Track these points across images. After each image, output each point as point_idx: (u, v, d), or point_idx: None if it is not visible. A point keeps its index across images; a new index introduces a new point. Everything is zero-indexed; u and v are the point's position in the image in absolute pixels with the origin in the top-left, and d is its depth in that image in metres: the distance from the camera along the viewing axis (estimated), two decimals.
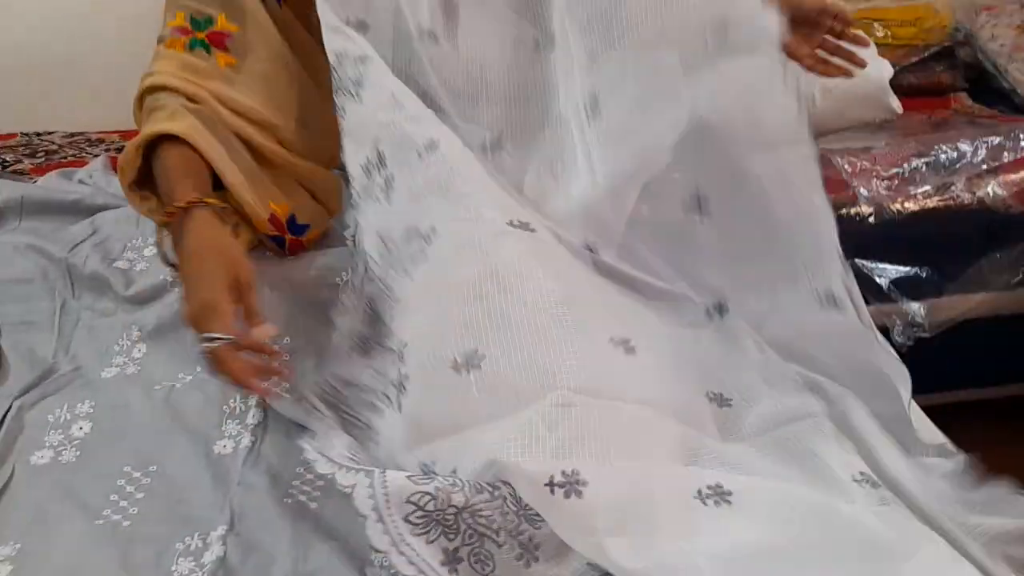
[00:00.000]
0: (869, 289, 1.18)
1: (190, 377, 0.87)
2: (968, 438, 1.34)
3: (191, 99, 0.81)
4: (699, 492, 0.60)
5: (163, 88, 0.81)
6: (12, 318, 0.96)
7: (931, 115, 1.42)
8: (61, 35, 1.65)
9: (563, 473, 0.57)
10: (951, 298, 1.22)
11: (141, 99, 0.83)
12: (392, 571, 0.55)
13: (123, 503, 0.71)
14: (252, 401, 0.82)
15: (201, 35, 0.83)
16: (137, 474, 0.74)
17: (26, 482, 0.74)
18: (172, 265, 0.78)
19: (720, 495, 0.60)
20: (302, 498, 0.70)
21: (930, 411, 1.37)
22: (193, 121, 0.79)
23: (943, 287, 1.20)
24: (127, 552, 0.66)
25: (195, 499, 0.71)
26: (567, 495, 0.56)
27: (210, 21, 0.83)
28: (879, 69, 1.33)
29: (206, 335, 0.65)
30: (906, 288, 1.18)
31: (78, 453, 0.78)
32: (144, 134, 0.79)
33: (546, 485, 0.56)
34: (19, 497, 0.73)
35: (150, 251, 1.02)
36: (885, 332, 1.22)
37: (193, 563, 0.65)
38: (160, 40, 0.85)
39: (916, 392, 1.35)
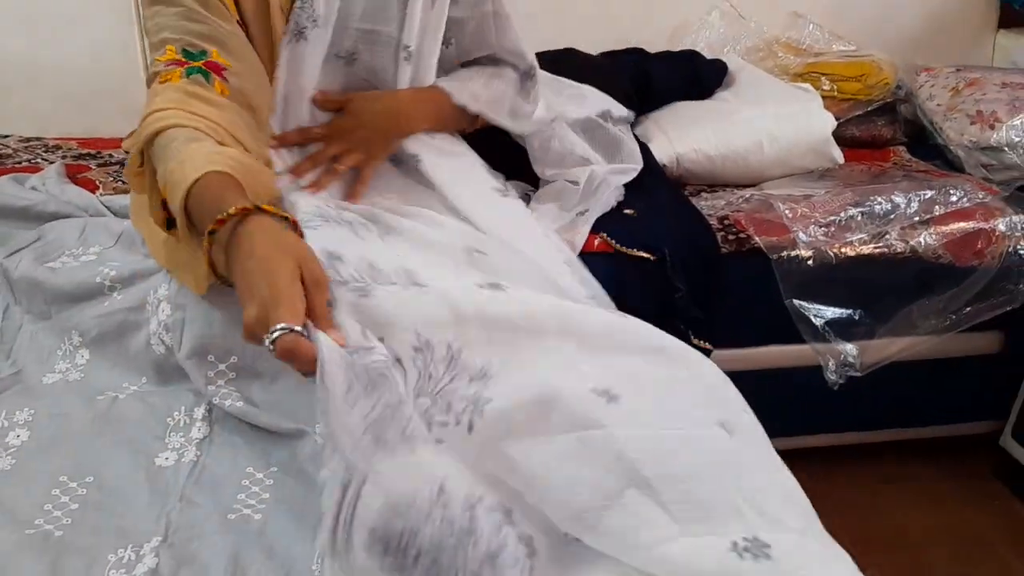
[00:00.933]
0: (806, 328, 1.23)
1: (134, 388, 0.87)
2: (890, 471, 1.41)
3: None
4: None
5: (174, 127, 0.76)
6: None
7: (871, 166, 1.50)
8: (24, 38, 1.64)
9: None
10: (882, 341, 1.28)
11: (148, 140, 0.77)
12: None
13: (56, 513, 0.71)
14: (199, 413, 0.82)
15: (198, 64, 0.80)
16: (73, 484, 0.74)
17: None
18: (220, 277, 0.71)
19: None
20: (247, 511, 0.70)
21: (862, 448, 1.44)
22: (224, 159, 0.73)
23: (875, 329, 1.26)
24: (57, 562, 0.66)
25: (131, 511, 0.71)
26: None
27: (204, 53, 0.81)
28: (823, 121, 1.41)
29: (276, 327, 0.58)
30: (840, 329, 1.24)
31: (13, 461, 0.77)
32: (188, 179, 0.70)
33: None
34: None
35: (87, 258, 1.00)
36: (819, 370, 1.27)
37: (124, 574, 0.65)
38: (153, 77, 0.82)
39: (846, 429, 1.42)
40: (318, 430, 0.75)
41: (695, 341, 1.19)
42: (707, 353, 1.09)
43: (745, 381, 0.82)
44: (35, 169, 1.32)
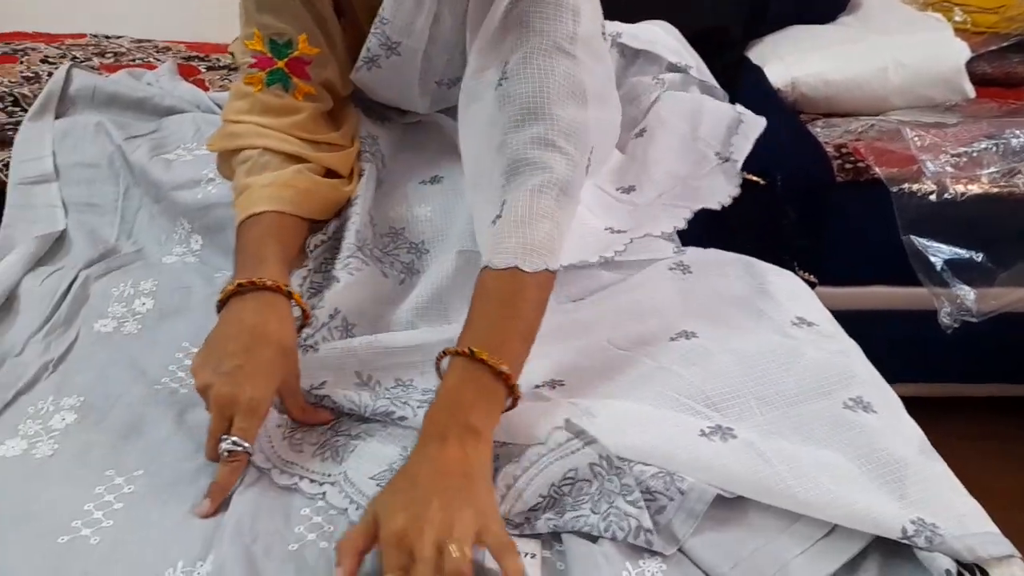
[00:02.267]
0: (921, 267, 1.16)
1: None
2: (995, 430, 1.34)
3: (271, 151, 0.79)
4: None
5: (247, 148, 0.79)
6: (77, 199, 0.98)
7: (1002, 104, 1.39)
8: None
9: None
10: (1001, 288, 1.20)
11: (229, 152, 0.81)
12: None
13: (180, 374, 0.74)
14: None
15: (280, 63, 0.80)
16: (195, 349, 0.76)
17: (90, 347, 0.77)
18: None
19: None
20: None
21: (965, 401, 1.37)
22: (279, 192, 0.77)
23: (996, 274, 1.18)
24: (183, 413, 0.69)
25: None
26: None
27: (289, 45, 0.80)
28: (957, 50, 1.30)
29: (234, 439, 0.61)
30: (958, 270, 1.17)
31: (139, 327, 0.81)
32: (239, 215, 0.76)
33: None
34: (83, 360, 0.76)
35: (200, 152, 1.02)
36: (924, 315, 1.21)
37: None
38: (240, 69, 0.83)
39: (946, 380, 1.36)
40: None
41: (800, 273, 1.14)
42: (811, 286, 1.05)
43: (847, 321, 0.79)
44: (149, 67, 1.36)
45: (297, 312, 0.71)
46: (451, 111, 0.98)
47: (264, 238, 0.74)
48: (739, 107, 1.09)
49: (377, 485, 0.61)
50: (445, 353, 0.63)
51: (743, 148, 1.01)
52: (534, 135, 0.69)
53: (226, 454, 0.62)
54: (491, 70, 0.73)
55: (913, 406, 0.71)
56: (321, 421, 0.68)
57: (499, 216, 0.68)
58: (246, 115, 0.81)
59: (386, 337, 0.73)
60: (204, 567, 0.56)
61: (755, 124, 1.05)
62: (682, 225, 0.89)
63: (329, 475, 0.63)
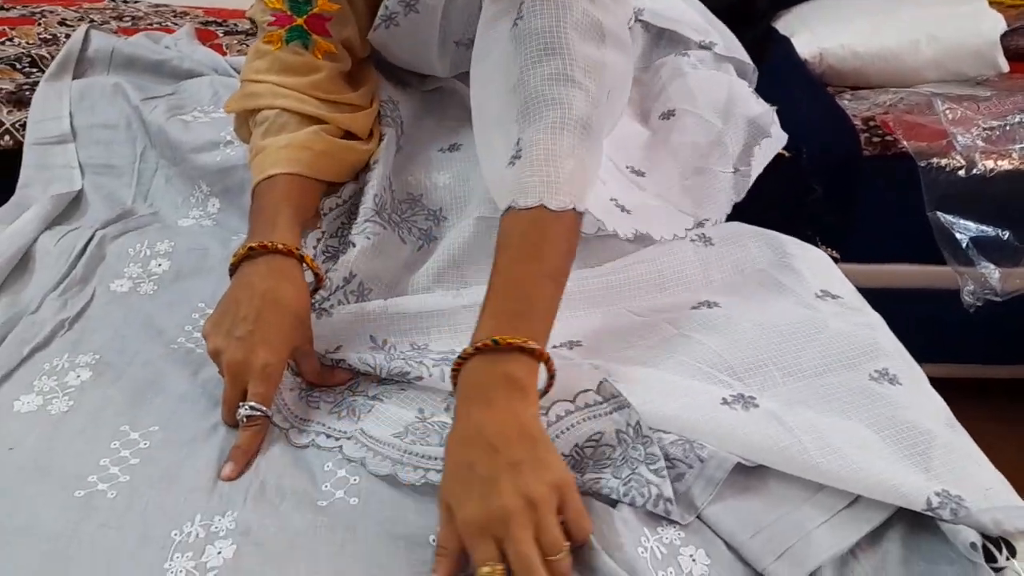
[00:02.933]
0: (946, 244, 1.14)
1: None
2: (1019, 412, 1.32)
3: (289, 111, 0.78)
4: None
5: (265, 108, 0.78)
6: (94, 160, 0.98)
7: None
8: None
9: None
10: None
11: (247, 112, 0.80)
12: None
13: (196, 334, 0.73)
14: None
15: (300, 20, 0.79)
16: (210, 310, 0.76)
17: (106, 305, 0.77)
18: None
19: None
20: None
21: (988, 383, 1.35)
22: (295, 154, 0.75)
23: (1022, 254, 1.15)
24: (199, 370, 0.68)
25: None
26: None
27: (309, 1, 0.78)
28: (992, 22, 1.27)
29: (251, 404, 0.61)
30: (983, 248, 1.14)
31: (155, 287, 0.80)
32: (254, 177, 0.75)
33: None
34: (98, 318, 0.76)
35: (217, 115, 1.02)
36: (948, 295, 1.19)
37: None
38: (259, 29, 0.81)
39: (974, 362, 1.33)
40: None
41: (823, 248, 1.12)
42: (834, 261, 1.03)
43: (869, 299, 0.77)
44: (167, 31, 1.35)
45: (310, 277, 0.71)
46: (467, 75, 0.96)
47: (278, 201, 0.73)
48: (772, 114, 1.03)
49: (394, 436, 0.61)
50: (464, 356, 0.58)
51: (759, 165, 0.97)
52: (551, 71, 0.66)
53: (244, 420, 0.61)
54: (505, 17, 0.70)
55: (936, 387, 0.69)
56: (337, 382, 0.68)
57: (517, 156, 0.65)
58: (264, 74, 0.79)
59: (400, 301, 0.73)
60: (223, 522, 0.55)
61: (778, 140, 1.01)
62: (681, 234, 0.86)
63: (346, 432, 0.63)
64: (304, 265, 0.69)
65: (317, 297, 0.72)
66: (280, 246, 0.67)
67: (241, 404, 0.61)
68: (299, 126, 0.78)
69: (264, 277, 0.66)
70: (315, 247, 0.78)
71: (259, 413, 0.61)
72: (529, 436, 0.54)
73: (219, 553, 0.53)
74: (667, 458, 0.59)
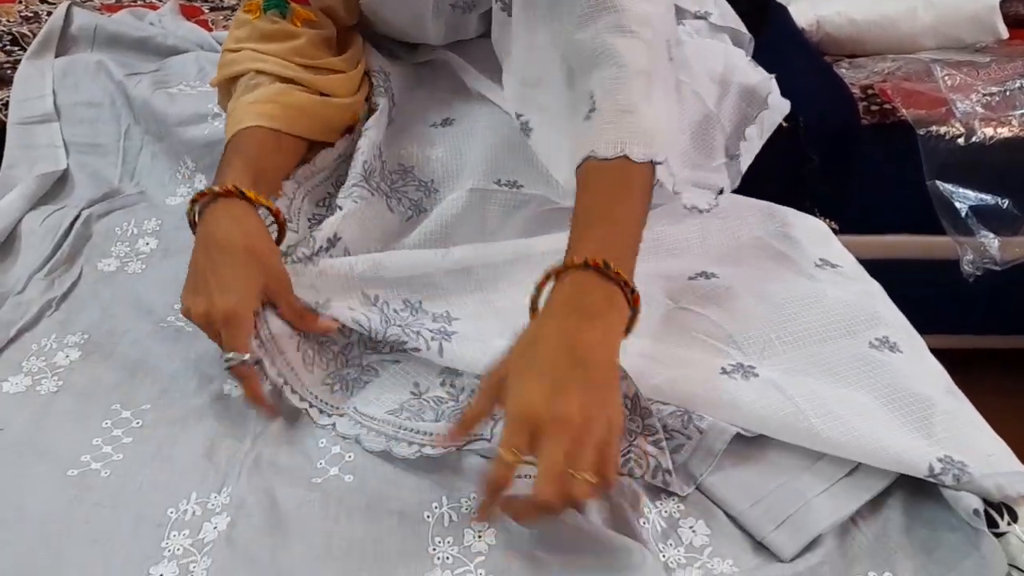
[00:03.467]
0: (945, 213, 1.13)
1: None
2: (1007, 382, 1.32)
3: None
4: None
5: (243, 74, 0.76)
6: (79, 139, 0.96)
7: None
8: None
9: None
10: None
11: (228, 81, 0.78)
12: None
13: None
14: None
15: None
16: None
17: (93, 285, 0.76)
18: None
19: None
20: None
21: (989, 353, 1.35)
22: (261, 108, 0.73)
23: (1022, 222, 1.15)
24: (190, 348, 0.67)
25: None
26: None
27: None
28: None
29: (228, 355, 0.60)
30: (983, 217, 1.13)
31: (143, 266, 0.79)
32: (230, 129, 0.73)
33: None
34: (86, 297, 0.75)
35: (204, 89, 0.99)
36: (947, 266, 1.18)
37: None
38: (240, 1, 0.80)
39: (975, 332, 1.33)
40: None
41: (821, 219, 1.11)
42: (833, 233, 1.02)
43: (868, 270, 0.76)
44: (151, 7, 1.32)
45: (267, 214, 0.67)
46: (464, 48, 0.94)
47: (231, 155, 0.70)
48: (770, 82, 1.01)
49: (388, 414, 0.60)
50: (567, 266, 0.55)
51: (753, 148, 0.95)
52: (607, 24, 0.64)
53: (228, 370, 0.60)
54: None
55: (941, 358, 0.68)
56: (323, 329, 0.65)
57: (592, 109, 0.63)
58: (244, 42, 0.77)
59: (388, 257, 0.71)
60: (218, 499, 0.55)
61: (778, 110, 0.98)
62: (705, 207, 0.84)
63: (338, 408, 0.62)
64: (256, 205, 0.66)
65: (299, 254, 0.69)
66: (219, 189, 0.64)
67: (221, 355, 0.61)
68: (272, 85, 0.75)
69: (210, 224, 0.64)
70: (288, 207, 0.75)
71: (236, 362, 0.60)
72: (612, 366, 0.53)
73: (215, 528, 0.53)
74: (665, 430, 0.58)
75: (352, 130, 0.83)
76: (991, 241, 1.14)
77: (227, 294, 0.61)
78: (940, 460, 0.54)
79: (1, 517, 0.53)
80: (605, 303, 0.54)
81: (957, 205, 1.13)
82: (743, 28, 1.10)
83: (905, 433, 0.57)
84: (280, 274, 0.65)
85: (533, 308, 0.58)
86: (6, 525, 0.53)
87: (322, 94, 0.78)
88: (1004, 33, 1.28)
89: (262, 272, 0.63)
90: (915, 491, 0.57)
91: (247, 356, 0.60)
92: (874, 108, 1.14)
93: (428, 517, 0.54)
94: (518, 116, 0.75)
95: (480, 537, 0.53)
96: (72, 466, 0.57)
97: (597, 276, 0.54)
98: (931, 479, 0.54)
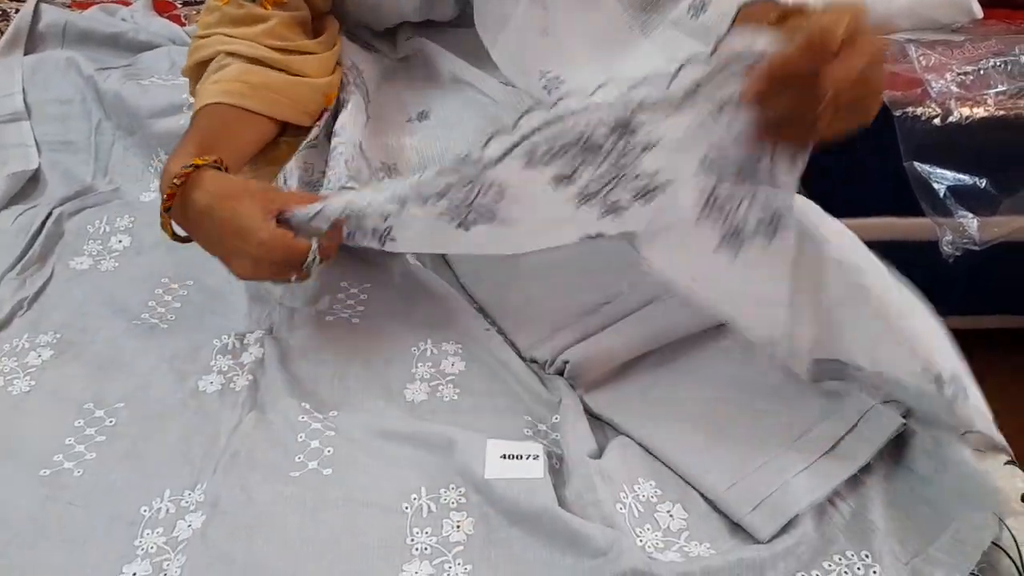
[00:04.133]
0: (924, 195, 1.13)
1: None
2: (1004, 363, 1.33)
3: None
4: None
5: (212, 58, 0.75)
6: (50, 137, 0.95)
7: (1012, 25, 1.34)
8: None
9: None
10: (1004, 217, 1.18)
11: (195, 71, 0.76)
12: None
13: (160, 309, 0.72)
14: None
15: None
16: (175, 285, 0.75)
17: (65, 284, 0.75)
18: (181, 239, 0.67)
19: None
20: (344, 314, 0.70)
21: (971, 334, 1.36)
22: (226, 87, 0.72)
23: (1000, 201, 1.15)
24: (164, 345, 0.67)
25: (234, 311, 0.71)
26: None
27: None
28: None
29: (306, 263, 0.60)
30: (960, 198, 1.14)
31: (116, 264, 0.78)
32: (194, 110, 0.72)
33: None
34: (58, 296, 0.74)
35: (176, 82, 0.97)
36: (925, 247, 1.18)
37: (231, 361, 0.65)
38: None
39: (956, 313, 1.34)
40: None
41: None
42: None
43: None
44: (123, 3, 1.30)
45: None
46: (441, 37, 0.94)
47: (187, 132, 0.69)
48: None
49: None
50: None
51: None
52: None
53: (314, 262, 0.61)
54: None
55: None
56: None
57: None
58: (213, 28, 0.76)
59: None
60: (193, 496, 0.54)
61: None
62: None
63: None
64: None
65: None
66: (168, 191, 0.62)
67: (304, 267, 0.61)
68: (239, 65, 0.74)
69: (189, 211, 0.63)
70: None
71: (313, 261, 0.60)
72: None
73: (189, 526, 0.52)
74: None
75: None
76: (970, 221, 1.15)
77: (250, 235, 0.60)
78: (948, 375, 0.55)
79: None
80: None
81: (935, 186, 1.13)
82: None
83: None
84: (267, 187, 0.65)
85: None
86: None
87: (295, 75, 0.77)
88: (979, 13, 1.28)
89: (253, 198, 0.62)
90: (893, 468, 0.58)
91: (313, 247, 0.60)
92: None
93: (406, 508, 0.54)
94: None
95: (459, 527, 0.53)
96: (45, 466, 0.57)
97: None
98: (932, 386, 0.54)
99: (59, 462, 0.57)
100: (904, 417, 0.59)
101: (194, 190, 0.62)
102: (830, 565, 0.51)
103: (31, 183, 0.90)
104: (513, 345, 0.68)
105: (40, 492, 0.55)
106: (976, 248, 1.16)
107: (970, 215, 1.15)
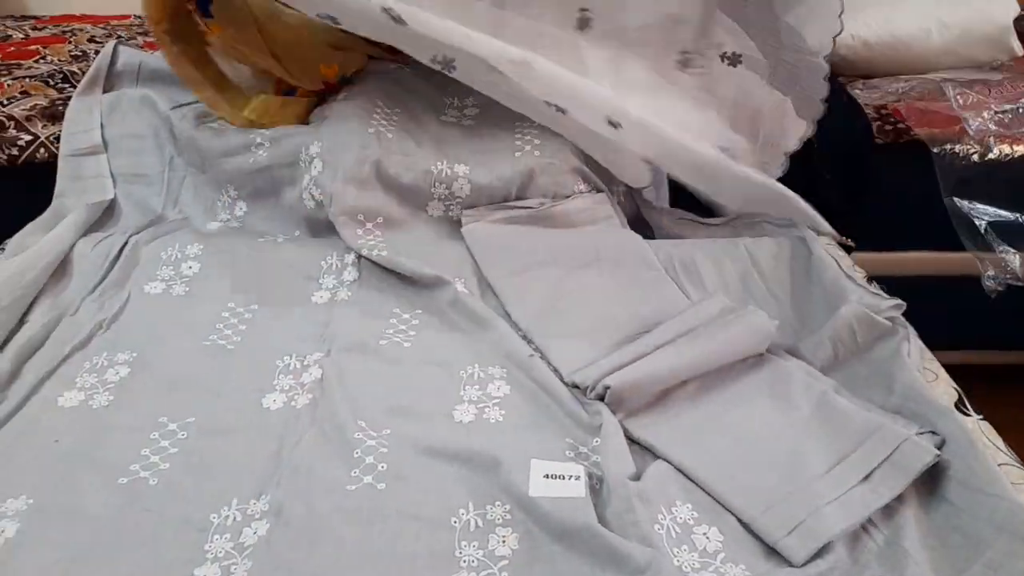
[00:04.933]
0: (964, 230, 1.14)
1: (289, 236, 0.92)
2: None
3: None
4: None
5: None
6: (125, 170, 1.02)
7: None
8: None
9: None
10: None
11: None
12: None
13: (227, 331, 0.77)
14: (349, 259, 0.85)
15: None
16: (240, 309, 0.80)
17: (141, 306, 0.81)
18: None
19: None
20: (397, 338, 0.74)
21: (1010, 368, 1.34)
22: None
23: None
24: (231, 365, 0.72)
25: (294, 334, 0.76)
26: None
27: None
28: (1005, 7, 1.26)
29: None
30: (1001, 232, 1.14)
31: (187, 288, 0.83)
32: None
33: None
34: (134, 318, 0.79)
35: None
36: (966, 282, 1.18)
37: (293, 380, 0.70)
38: None
39: (999, 348, 1.33)
40: (457, 283, 0.79)
41: (838, 237, 1.13)
42: (848, 251, 1.03)
43: (889, 287, 0.78)
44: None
45: None
46: None
47: None
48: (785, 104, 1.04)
49: None
50: None
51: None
52: None
53: None
54: None
55: (960, 375, 0.69)
56: None
57: None
58: None
59: None
60: (258, 505, 0.58)
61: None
62: None
63: None
64: None
65: None
66: None
67: None
68: None
69: None
70: None
71: None
72: None
73: (254, 533, 0.56)
74: None
75: None
76: (1011, 256, 1.15)
77: None
78: None
79: (56, 521, 0.57)
80: None
81: (976, 221, 1.13)
82: (759, 55, 1.13)
83: None
84: None
85: None
86: (62, 530, 0.57)
87: None
88: (1019, 50, 1.29)
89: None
90: (927, 497, 0.59)
91: None
92: (888, 128, 1.16)
93: (455, 523, 0.57)
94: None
95: (504, 542, 0.56)
96: (123, 474, 0.61)
97: None
98: None
99: (136, 471, 0.62)
100: (938, 448, 0.60)
101: None
102: None
103: (107, 212, 0.97)
104: (556, 371, 0.71)
105: (119, 499, 0.59)
106: (1020, 284, 1.15)
107: (1011, 250, 1.15)
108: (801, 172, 1.10)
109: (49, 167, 1.03)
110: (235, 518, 0.58)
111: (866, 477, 0.59)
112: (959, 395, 0.68)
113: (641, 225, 1.00)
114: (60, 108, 1.12)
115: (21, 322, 0.78)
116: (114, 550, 0.56)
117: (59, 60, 1.32)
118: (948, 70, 1.28)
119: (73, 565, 0.54)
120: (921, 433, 0.62)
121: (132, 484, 0.60)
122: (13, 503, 0.58)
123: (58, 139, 1.05)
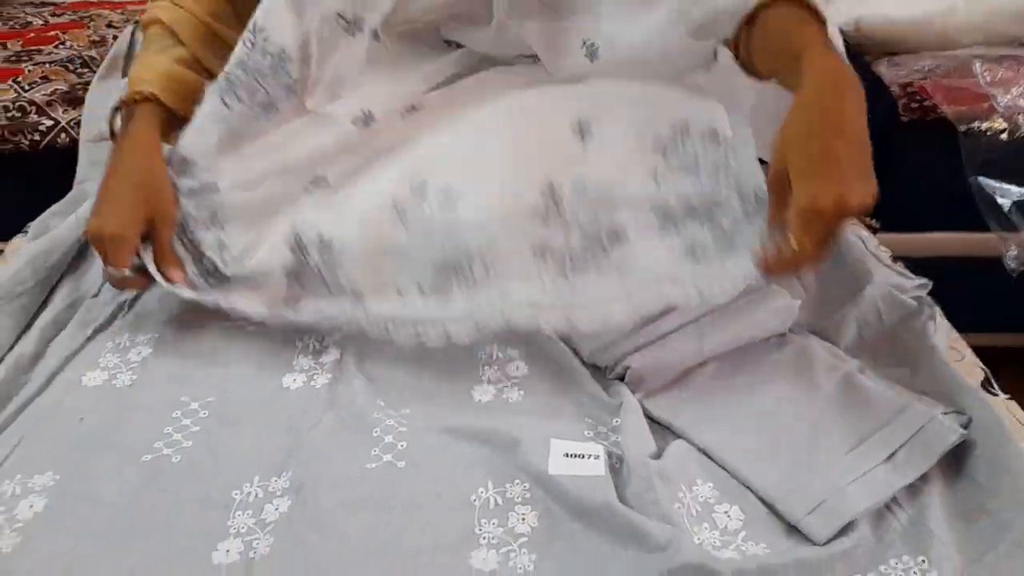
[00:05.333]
0: (988, 210, 1.12)
1: None
2: None
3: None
4: None
5: (157, 23, 0.81)
6: None
7: None
8: None
9: None
10: None
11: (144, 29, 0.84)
12: None
13: None
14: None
15: None
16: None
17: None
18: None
19: None
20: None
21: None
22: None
23: None
24: (251, 346, 0.73)
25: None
26: None
27: None
28: None
29: (110, 266, 0.71)
30: None
31: None
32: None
33: None
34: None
35: None
36: (991, 264, 1.17)
37: (313, 361, 0.71)
38: None
39: (1015, 329, 1.31)
40: None
41: (862, 218, 1.11)
42: (873, 231, 1.02)
43: (912, 268, 0.77)
44: None
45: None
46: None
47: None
48: None
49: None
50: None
51: None
52: None
53: (109, 279, 0.73)
54: None
55: (981, 356, 0.69)
56: (172, 278, 0.73)
57: None
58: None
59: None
60: (279, 482, 0.59)
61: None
62: None
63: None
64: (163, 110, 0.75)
65: None
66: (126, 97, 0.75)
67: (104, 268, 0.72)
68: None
69: (123, 152, 0.74)
70: None
71: (115, 276, 0.72)
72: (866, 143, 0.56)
73: (276, 509, 0.57)
74: None
75: None
76: None
77: (115, 218, 0.70)
78: None
79: (82, 496, 0.58)
80: (850, 78, 0.56)
81: (1000, 201, 1.12)
82: None
83: None
84: (165, 213, 0.73)
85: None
86: (86, 504, 0.58)
87: None
88: None
89: (151, 208, 0.72)
90: (952, 477, 0.58)
91: (124, 272, 0.71)
92: (913, 105, 1.14)
93: (474, 501, 0.57)
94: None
95: (524, 520, 0.56)
96: (146, 452, 0.62)
97: (836, 60, 0.57)
98: None
99: (159, 448, 0.62)
100: (964, 428, 0.59)
101: (132, 136, 0.74)
102: (886, 569, 0.52)
103: None
104: (575, 351, 0.70)
105: (142, 475, 0.60)
106: None
107: None
108: None
109: (70, 152, 1.04)
110: (257, 495, 0.58)
111: (890, 456, 0.58)
112: (986, 375, 0.67)
113: None
114: (80, 93, 1.13)
115: (44, 303, 0.79)
116: (140, 523, 0.56)
117: (78, 45, 1.33)
118: (975, 46, 1.25)
119: (101, 538, 0.55)
120: (947, 413, 0.61)
121: (155, 461, 0.61)
122: (40, 478, 0.59)
123: (78, 124, 1.06)
